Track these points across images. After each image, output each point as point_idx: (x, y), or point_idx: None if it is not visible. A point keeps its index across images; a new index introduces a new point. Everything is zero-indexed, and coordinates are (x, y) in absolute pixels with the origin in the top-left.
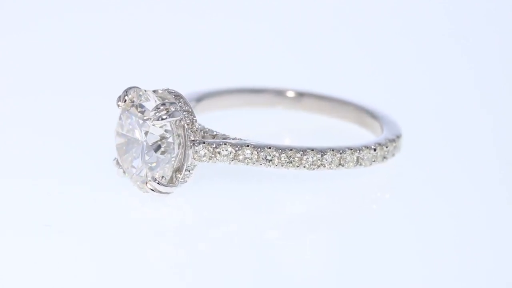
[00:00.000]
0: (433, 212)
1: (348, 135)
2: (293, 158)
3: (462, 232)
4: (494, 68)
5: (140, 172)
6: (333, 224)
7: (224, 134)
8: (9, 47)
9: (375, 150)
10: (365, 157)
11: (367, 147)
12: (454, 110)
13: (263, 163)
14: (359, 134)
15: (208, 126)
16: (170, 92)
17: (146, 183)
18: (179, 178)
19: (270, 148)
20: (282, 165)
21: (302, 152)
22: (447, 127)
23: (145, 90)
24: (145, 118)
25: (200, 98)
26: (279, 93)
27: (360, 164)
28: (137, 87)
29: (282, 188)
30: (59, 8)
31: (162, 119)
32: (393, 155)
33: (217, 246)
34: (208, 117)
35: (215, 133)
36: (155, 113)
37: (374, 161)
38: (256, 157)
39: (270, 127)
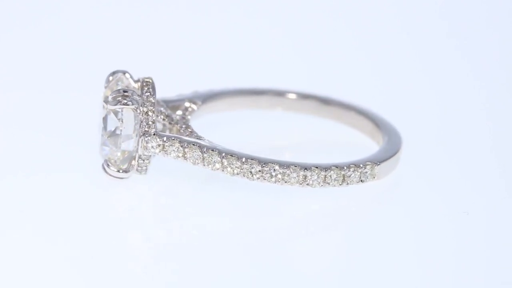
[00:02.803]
0: (435, 214)
1: (347, 142)
2: (233, 164)
3: (463, 234)
4: (499, 75)
5: (102, 154)
6: (332, 226)
7: (192, 131)
8: None
9: (327, 171)
10: (314, 178)
11: (317, 167)
12: (458, 116)
13: (207, 165)
14: (361, 143)
15: (207, 126)
16: (144, 80)
17: (102, 165)
18: (134, 166)
19: (213, 150)
20: (222, 170)
21: (243, 160)
22: (451, 133)
23: (128, 77)
24: (104, 101)
25: (204, 100)
26: (280, 94)
27: (308, 184)
28: (122, 72)
29: (283, 190)
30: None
31: (120, 104)
32: (361, 181)
33: (216, 245)
34: (210, 118)
35: (190, 130)
36: (112, 98)
37: (328, 183)
38: (200, 158)
39: (269, 130)
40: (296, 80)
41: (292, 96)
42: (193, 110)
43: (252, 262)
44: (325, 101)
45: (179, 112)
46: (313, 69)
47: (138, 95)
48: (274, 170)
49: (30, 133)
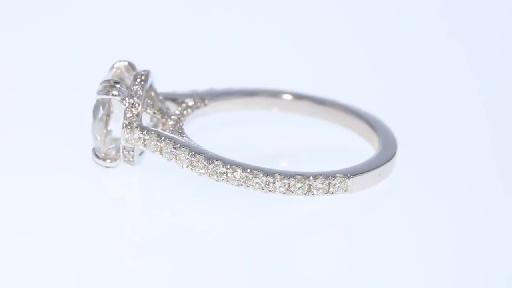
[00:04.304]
0: (433, 215)
1: (343, 144)
2: (201, 164)
3: (462, 235)
4: (496, 76)
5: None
6: (330, 228)
7: (178, 127)
8: None
9: (290, 179)
10: (277, 185)
11: (280, 174)
12: (455, 116)
13: (178, 162)
14: (357, 146)
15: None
16: (138, 73)
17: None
18: (120, 156)
19: (185, 148)
20: (191, 169)
21: (209, 161)
22: (449, 134)
23: (129, 68)
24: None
25: (213, 98)
26: (275, 95)
27: (270, 191)
28: (125, 62)
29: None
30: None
31: (107, 94)
32: (330, 193)
33: (212, 244)
34: (209, 118)
35: (177, 126)
36: (102, 87)
37: (291, 191)
38: (173, 154)
39: (263, 131)
40: (291, 80)
41: (287, 97)
42: (197, 107)
43: (246, 261)
44: (320, 102)
45: (180, 108)
46: (308, 69)
47: (127, 87)
48: (237, 173)
49: (30, 133)
